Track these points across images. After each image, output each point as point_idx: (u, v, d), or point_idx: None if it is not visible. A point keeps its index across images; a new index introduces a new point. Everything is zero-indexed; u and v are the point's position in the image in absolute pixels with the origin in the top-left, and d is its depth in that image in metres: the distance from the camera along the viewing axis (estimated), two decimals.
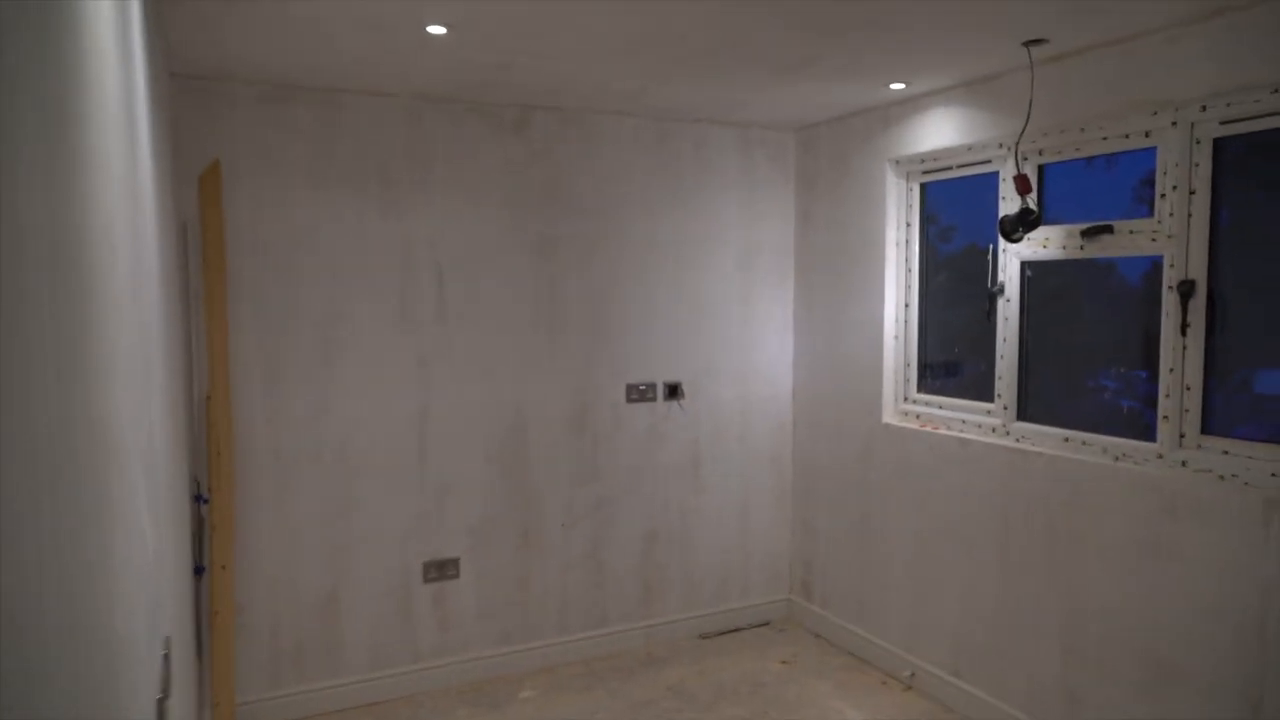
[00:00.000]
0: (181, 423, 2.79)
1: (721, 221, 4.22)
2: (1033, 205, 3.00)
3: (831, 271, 4.15)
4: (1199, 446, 2.69)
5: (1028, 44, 2.79)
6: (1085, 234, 2.97)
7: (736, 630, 4.34)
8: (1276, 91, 2.40)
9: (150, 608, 1.50)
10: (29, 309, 0.70)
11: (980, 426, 3.43)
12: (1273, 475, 2.47)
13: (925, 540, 3.63)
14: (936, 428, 3.62)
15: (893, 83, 3.33)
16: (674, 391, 4.17)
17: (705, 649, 4.15)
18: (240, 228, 3.30)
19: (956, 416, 3.55)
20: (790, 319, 4.42)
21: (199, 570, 3.17)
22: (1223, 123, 2.57)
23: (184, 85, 3.19)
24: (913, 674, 3.69)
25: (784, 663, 3.99)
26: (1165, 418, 2.76)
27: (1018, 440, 3.26)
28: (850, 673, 3.88)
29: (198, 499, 3.17)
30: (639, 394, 4.10)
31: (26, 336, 0.69)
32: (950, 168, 3.56)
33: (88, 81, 1.10)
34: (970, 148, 3.39)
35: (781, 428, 4.45)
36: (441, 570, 3.75)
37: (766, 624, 4.43)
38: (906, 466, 3.72)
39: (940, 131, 3.48)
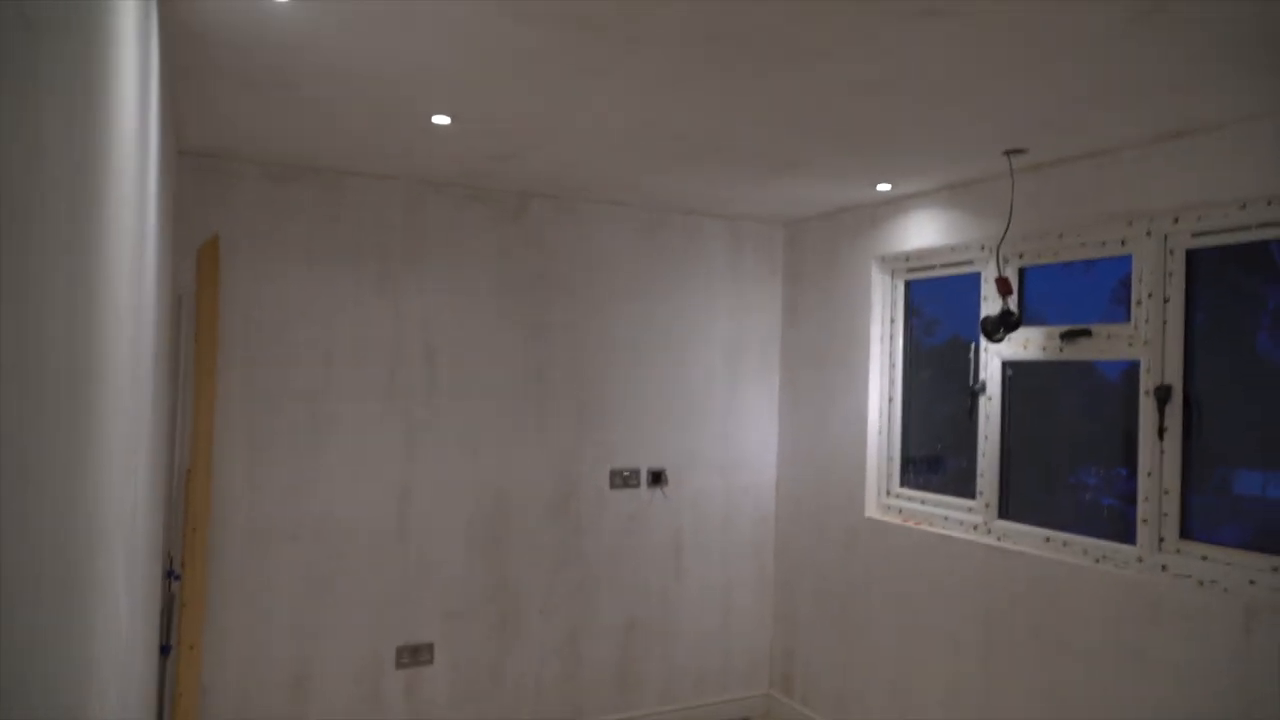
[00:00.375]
0: (159, 496, 2.76)
1: (710, 311, 4.29)
2: (1013, 307, 3.08)
3: (817, 364, 4.21)
4: (1178, 551, 2.71)
5: (1008, 153, 2.91)
6: (1064, 336, 3.05)
7: None
8: (1243, 208, 2.51)
9: (122, 694, 1.46)
10: (47, 400, 0.71)
11: (962, 524, 3.44)
12: (1251, 582, 2.48)
13: (908, 637, 3.59)
14: (919, 523, 3.62)
15: (879, 184, 3.45)
16: (658, 479, 4.16)
17: None
18: (235, 301, 3.33)
19: (939, 512, 3.56)
20: (775, 410, 4.46)
21: (165, 649, 3.08)
22: (1194, 235, 2.68)
23: (189, 161, 3.26)
24: None
25: None
26: (1145, 521, 2.78)
27: (999, 539, 3.27)
28: None
29: (169, 574, 3.10)
30: (623, 480, 4.09)
31: (41, 427, 0.70)
32: (934, 267, 3.66)
33: (111, 164, 1.14)
34: (953, 248, 3.50)
35: (764, 518, 4.44)
36: (415, 655, 3.65)
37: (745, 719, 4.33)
38: (889, 561, 3.70)
39: (924, 232, 3.59)
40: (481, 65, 2.26)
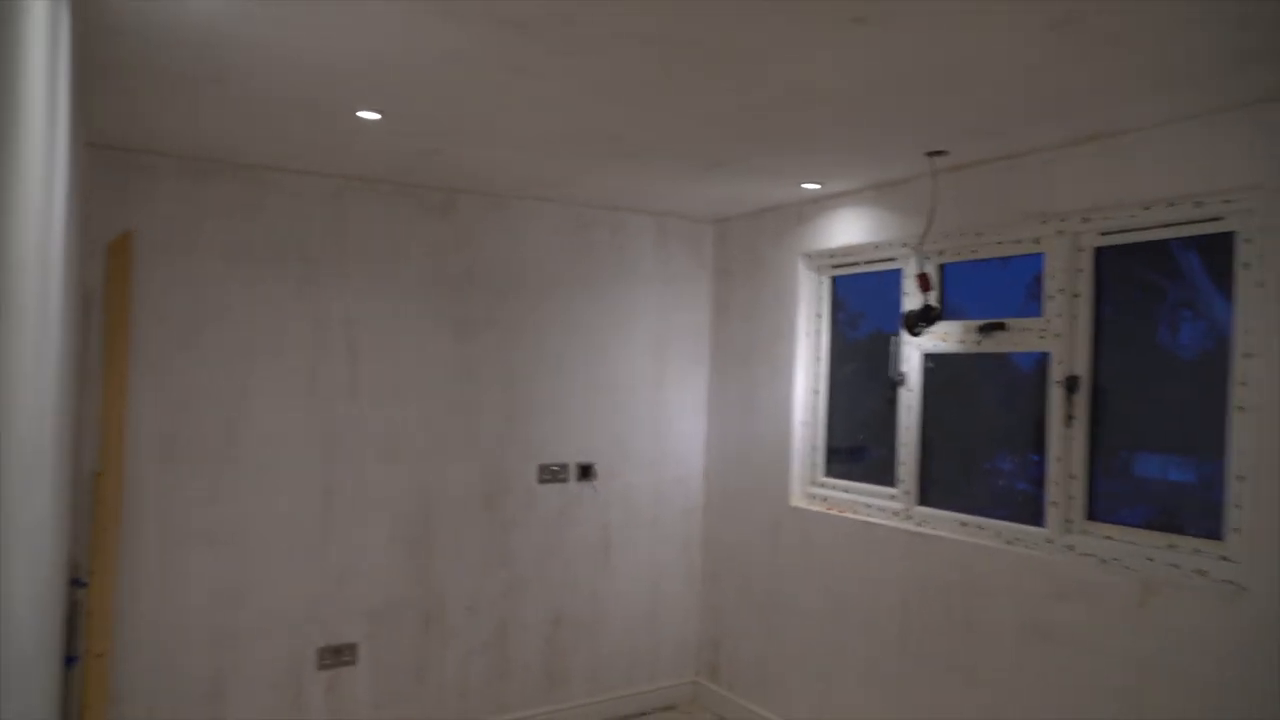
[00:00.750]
0: (66, 501, 2.62)
1: (639, 308, 4.31)
2: (933, 302, 3.19)
3: (744, 359, 4.27)
4: (1084, 532, 2.86)
5: (930, 155, 3.01)
6: (981, 330, 3.17)
7: (642, 715, 4.27)
8: (1147, 208, 2.65)
9: (24, 708, 1.39)
10: None
11: (884, 510, 3.55)
12: (1149, 559, 2.64)
13: (830, 621, 3.69)
14: (842, 511, 3.72)
15: (806, 183, 3.52)
16: (587, 472, 4.16)
17: None
18: (148, 300, 3.19)
19: (862, 500, 3.67)
20: (703, 404, 4.51)
21: (71, 660, 2.93)
22: (1102, 234, 2.82)
23: (104, 156, 3.10)
24: None
25: None
26: (1054, 504, 2.92)
27: (919, 524, 3.38)
28: None
29: (75, 583, 2.95)
30: (551, 474, 4.07)
31: None
32: (859, 263, 3.75)
33: (17, 160, 1.08)
34: (877, 246, 3.59)
35: (692, 510, 4.49)
36: (337, 656, 3.57)
37: (672, 708, 4.38)
38: (813, 549, 3.79)
39: (850, 229, 3.68)
40: (409, 62, 2.21)
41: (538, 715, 4.03)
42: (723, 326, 4.44)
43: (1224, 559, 2.47)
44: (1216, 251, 2.54)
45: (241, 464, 3.37)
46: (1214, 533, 2.53)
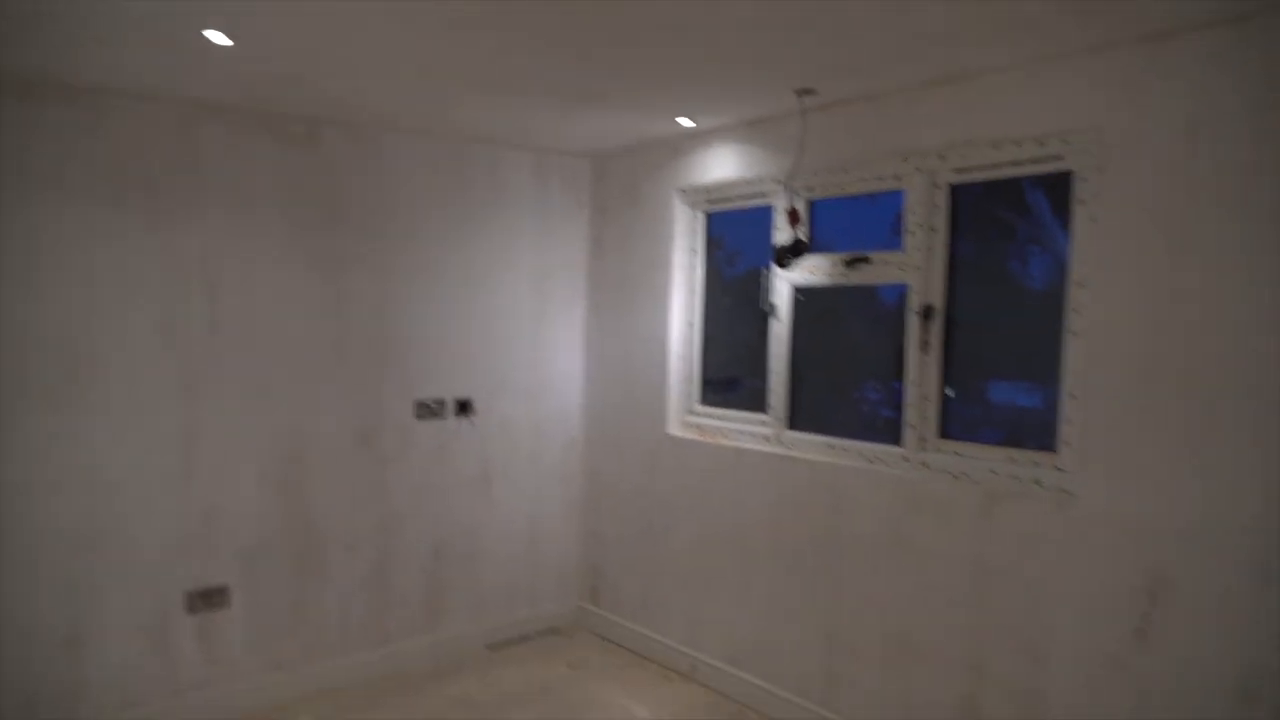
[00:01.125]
0: None
1: (516, 243, 4.28)
2: (803, 236, 3.34)
3: (622, 293, 4.34)
4: (938, 450, 3.11)
5: (799, 92, 3.11)
6: (847, 263, 3.35)
7: (525, 639, 4.38)
8: (996, 147, 2.86)
9: None
10: None
11: (755, 436, 3.74)
12: (992, 472, 2.92)
13: (705, 543, 3.88)
14: (717, 438, 3.88)
15: (680, 117, 3.57)
16: (465, 408, 4.15)
17: (493, 660, 4.15)
18: None
19: (735, 427, 3.84)
20: (581, 338, 4.56)
21: None
22: (957, 171, 3.02)
23: None
24: (694, 667, 3.92)
25: (571, 667, 4.08)
26: (911, 425, 3.17)
27: (788, 448, 3.58)
28: (636, 670, 4.04)
29: None
30: (429, 411, 4.04)
31: None
32: (732, 199, 3.86)
33: None
34: (750, 182, 3.71)
35: (572, 442, 4.56)
36: (208, 599, 3.48)
37: (556, 631, 4.50)
38: (688, 475, 3.95)
39: (724, 165, 3.77)
40: None
41: (420, 646, 4.06)
42: (601, 261, 4.48)
43: (1057, 469, 2.76)
44: (1060, 190, 2.77)
45: (89, 406, 3.18)
46: (1049, 446, 2.81)
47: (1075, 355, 2.68)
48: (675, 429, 4.09)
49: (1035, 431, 2.90)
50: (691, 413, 4.09)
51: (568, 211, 4.47)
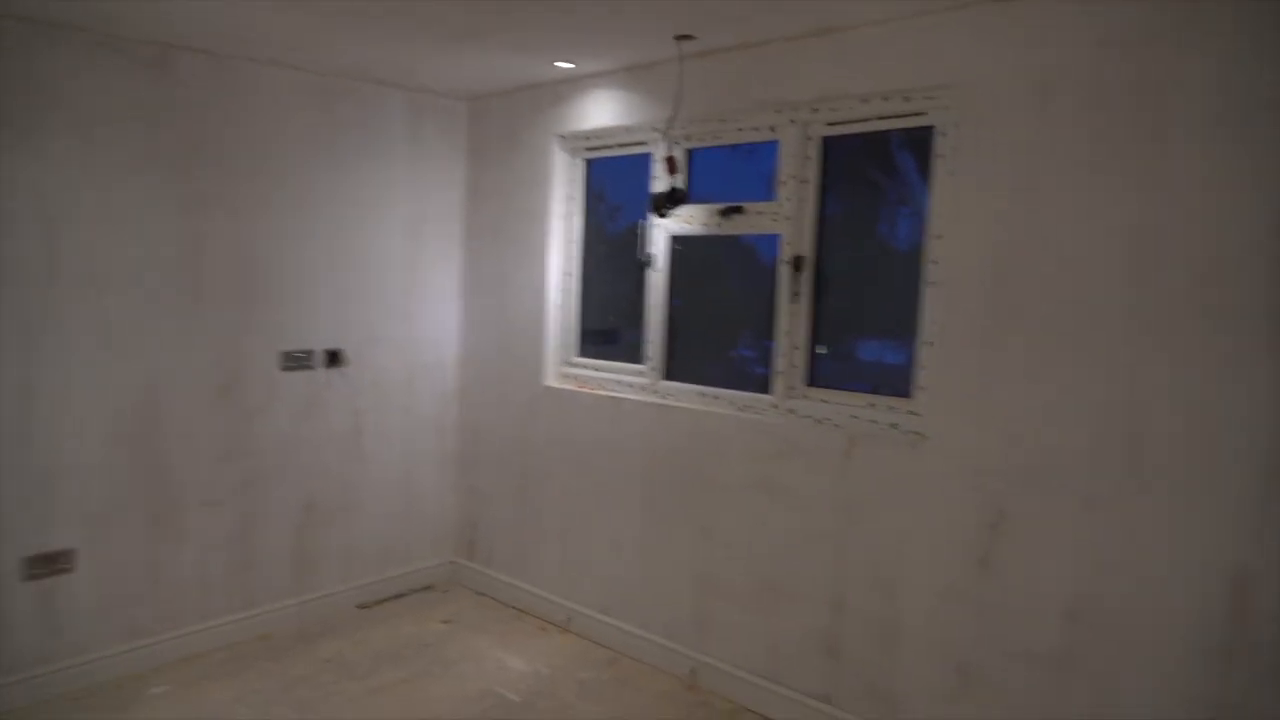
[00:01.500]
0: None
1: (390, 188, 4.12)
2: (680, 185, 3.35)
3: (499, 241, 4.25)
4: (805, 397, 3.21)
5: (679, 38, 3.10)
6: (723, 213, 3.38)
7: (399, 596, 4.30)
8: (865, 101, 2.93)
9: None
10: None
11: (632, 386, 3.75)
12: (853, 417, 3.03)
13: (580, 494, 3.89)
14: (594, 389, 3.88)
15: (559, 60, 3.50)
16: (335, 359, 4.00)
17: (365, 618, 4.06)
18: None
19: (612, 378, 3.84)
20: (457, 288, 4.45)
21: None
22: (828, 124, 3.08)
23: None
24: (569, 618, 3.94)
25: (446, 622, 4.03)
26: (780, 373, 3.25)
27: (663, 397, 3.62)
28: (511, 623, 4.03)
29: None
30: (296, 362, 3.87)
31: None
32: (612, 146, 3.82)
33: None
34: (629, 129, 3.68)
35: (447, 394, 4.47)
36: (50, 564, 3.25)
37: (429, 588, 4.44)
38: (565, 425, 3.94)
39: (603, 111, 3.73)
40: None
41: (287, 606, 3.93)
42: (478, 207, 4.37)
43: (911, 413, 2.89)
44: (925, 150, 2.86)
45: None
46: (905, 392, 2.94)
47: (933, 305, 2.80)
48: (553, 380, 4.06)
49: (895, 380, 3.02)
50: (570, 364, 4.07)
51: (443, 155, 4.33)
